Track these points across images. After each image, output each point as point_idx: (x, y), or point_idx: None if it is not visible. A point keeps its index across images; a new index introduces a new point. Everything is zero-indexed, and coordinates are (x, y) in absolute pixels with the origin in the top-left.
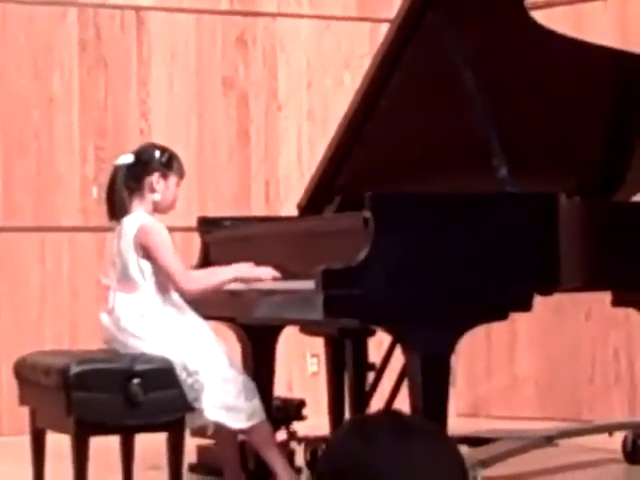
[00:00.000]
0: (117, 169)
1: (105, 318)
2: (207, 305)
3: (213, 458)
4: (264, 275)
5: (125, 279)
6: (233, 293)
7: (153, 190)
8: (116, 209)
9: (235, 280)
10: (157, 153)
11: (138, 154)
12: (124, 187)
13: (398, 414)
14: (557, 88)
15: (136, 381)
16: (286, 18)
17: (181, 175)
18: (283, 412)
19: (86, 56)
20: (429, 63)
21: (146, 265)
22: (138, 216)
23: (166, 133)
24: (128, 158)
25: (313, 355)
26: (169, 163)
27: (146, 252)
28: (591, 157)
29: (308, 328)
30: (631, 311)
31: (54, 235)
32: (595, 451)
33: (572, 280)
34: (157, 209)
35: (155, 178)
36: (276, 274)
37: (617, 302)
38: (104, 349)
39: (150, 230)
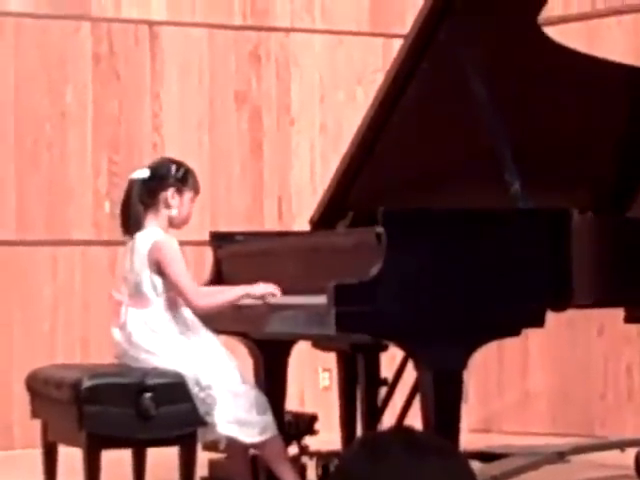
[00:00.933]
0: (132, 183)
1: (117, 333)
2: (219, 320)
3: (225, 472)
4: (266, 292)
5: (137, 294)
6: (245, 308)
7: (168, 205)
8: (130, 223)
9: (244, 297)
10: (173, 168)
11: (154, 169)
12: (139, 202)
13: (410, 431)
14: (570, 103)
15: (148, 395)
16: (299, 33)
17: (196, 191)
18: (295, 427)
19: (99, 70)
20: (442, 79)
21: (158, 281)
22: (151, 232)
23: (179, 147)
24: (144, 173)
25: (325, 369)
26: (184, 179)
27: (158, 268)
28: (604, 172)
29: (320, 343)
30: None
31: (66, 249)
32: (607, 467)
33: (585, 296)
34: (172, 224)
35: (170, 193)
36: (275, 291)
37: (630, 319)
38: (116, 363)
39: (162, 246)
